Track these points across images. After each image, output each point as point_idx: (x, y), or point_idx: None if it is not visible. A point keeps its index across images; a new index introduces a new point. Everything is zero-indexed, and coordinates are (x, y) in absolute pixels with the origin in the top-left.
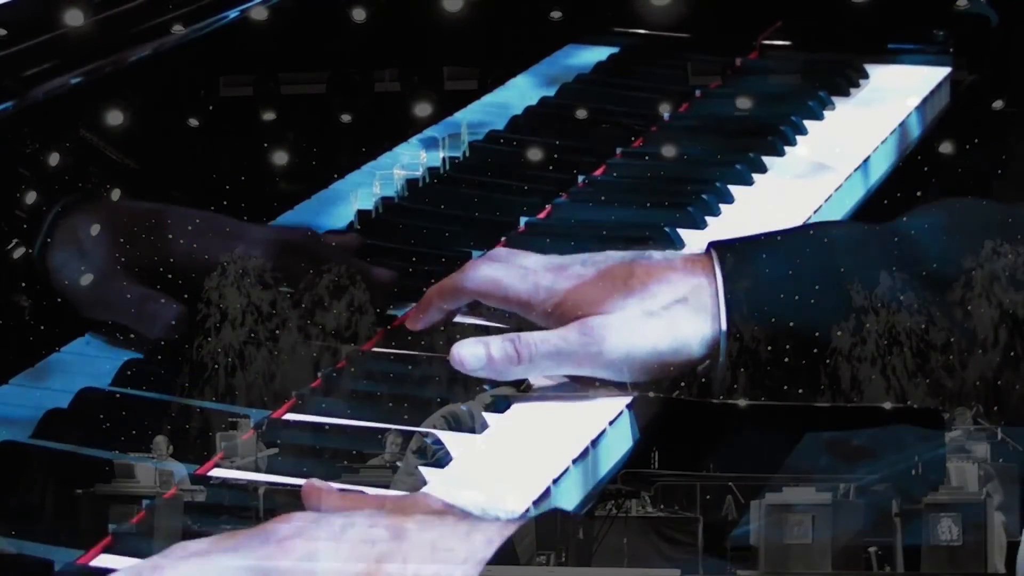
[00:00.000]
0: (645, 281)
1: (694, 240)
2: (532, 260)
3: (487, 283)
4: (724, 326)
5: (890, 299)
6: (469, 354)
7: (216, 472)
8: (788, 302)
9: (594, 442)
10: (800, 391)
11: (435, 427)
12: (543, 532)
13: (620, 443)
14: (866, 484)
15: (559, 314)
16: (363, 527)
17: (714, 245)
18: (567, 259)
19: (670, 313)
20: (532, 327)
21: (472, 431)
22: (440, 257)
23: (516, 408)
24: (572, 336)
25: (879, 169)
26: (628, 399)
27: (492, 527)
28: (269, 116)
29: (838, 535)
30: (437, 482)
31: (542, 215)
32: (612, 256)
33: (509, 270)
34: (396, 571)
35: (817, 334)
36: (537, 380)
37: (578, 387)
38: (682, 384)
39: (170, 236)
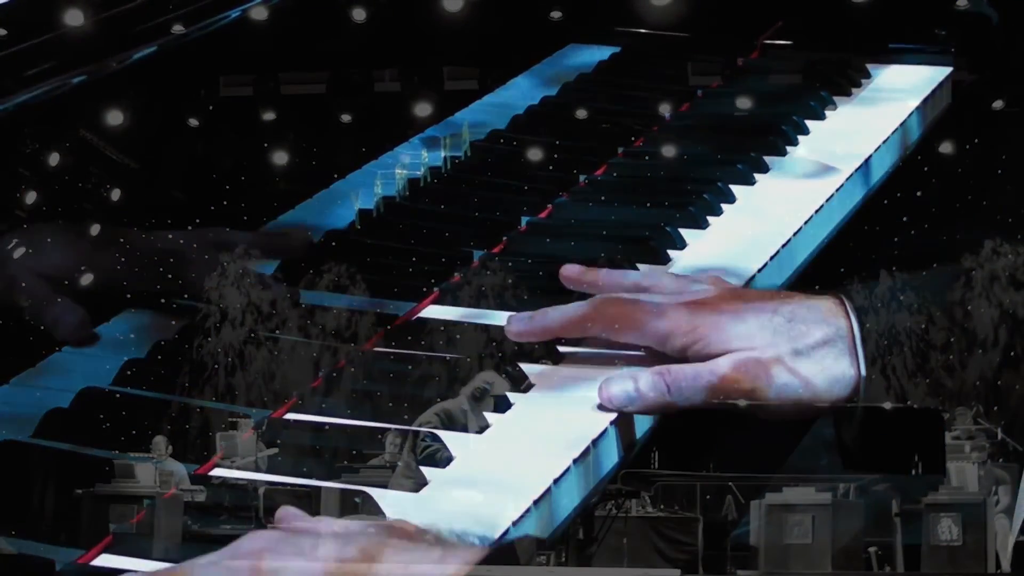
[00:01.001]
0: (791, 319)
1: (694, 240)
2: (663, 292)
3: (622, 319)
4: (863, 370)
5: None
6: (619, 391)
7: (216, 472)
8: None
9: (595, 442)
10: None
11: (429, 424)
12: (512, 559)
13: (623, 443)
14: (866, 484)
15: (697, 349)
16: (336, 546)
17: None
18: (700, 292)
19: (819, 353)
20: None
21: (465, 428)
22: (440, 256)
23: (517, 408)
24: (725, 372)
25: (880, 168)
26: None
27: (467, 552)
28: (269, 116)
29: (838, 535)
30: (438, 482)
31: (543, 214)
32: (749, 293)
33: (643, 307)
34: None
35: None
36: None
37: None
38: None
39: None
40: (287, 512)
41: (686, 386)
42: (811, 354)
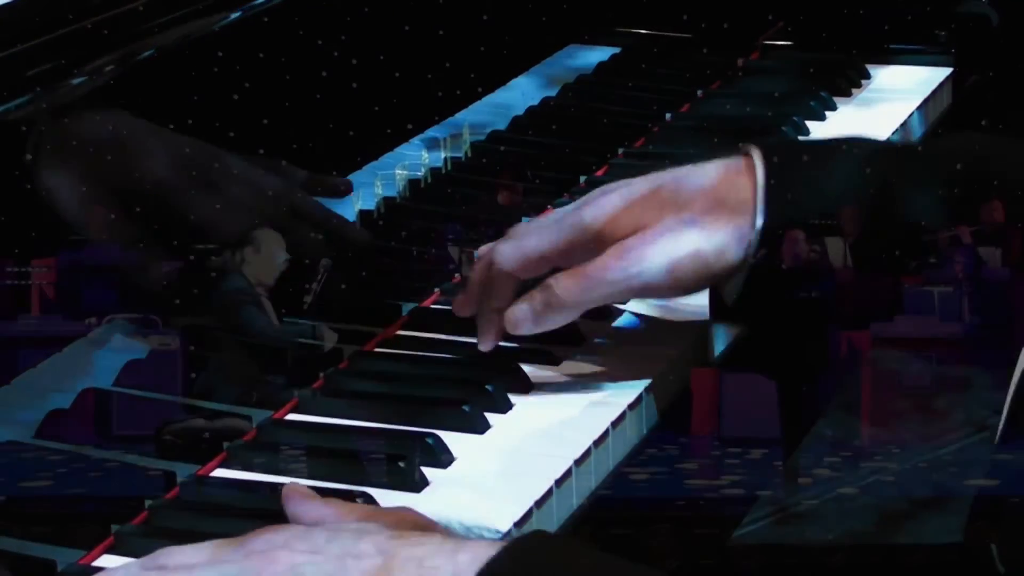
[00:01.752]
0: (676, 189)
1: None
2: (553, 213)
3: (524, 253)
4: (760, 223)
5: (919, 217)
6: (518, 316)
7: (219, 473)
8: (826, 207)
9: (596, 442)
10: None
11: None
12: (522, 554)
13: (623, 443)
14: (869, 483)
15: (602, 244)
16: (350, 542)
17: (756, 144)
18: (589, 195)
19: (708, 216)
20: None
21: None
22: (441, 258)
23: (518, 408)
24: (610, 263)
25: None
26: (631, 399)
27: (479, 546)
28: (269, 116)
29: (840, 534)
30: (439, 482)
31: (543, 215)
32: (634, 180)
33: (538, 231)
34: None
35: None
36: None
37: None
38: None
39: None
40: (294, 492)
41: (575, 287)
42: (699, 219)
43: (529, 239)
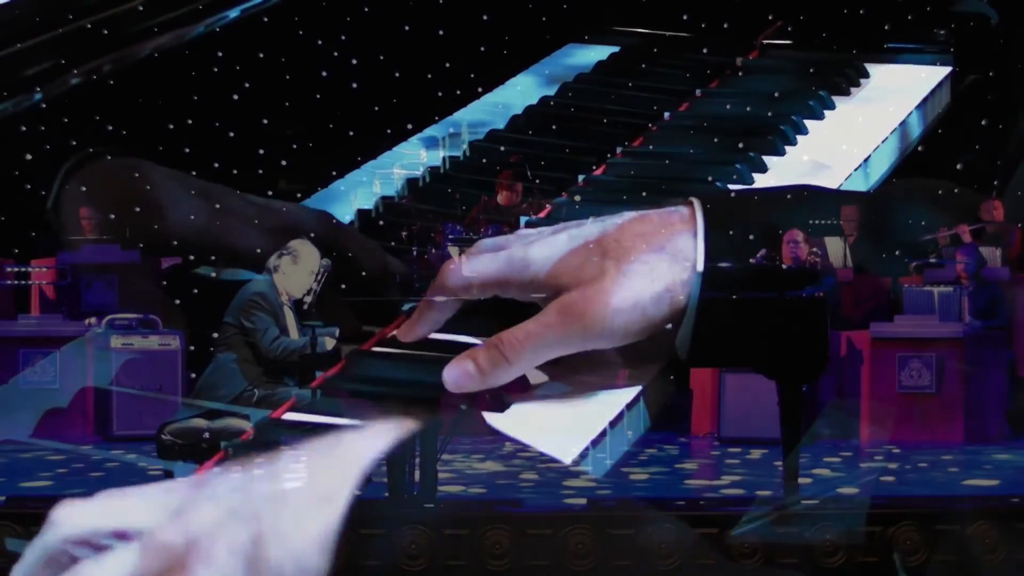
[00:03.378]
0: (619, 237)
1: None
2: (503, 239)
3: (467, 279)
4: (701, 267)
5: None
6: (459, 373)
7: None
8: (754, 251)
9: (594, 442)
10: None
11: None
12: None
13: (618, 446)
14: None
15: (539, 285)
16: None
17: (698, 196)
18: (537, 230)
19: (648, 264)
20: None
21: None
22: (439, 257)
23: (515, 408)
24: (552, 319)
25: (880, 168)
26: (623, 403)
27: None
28: (270, 116)
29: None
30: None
31: (542, 214)
32: (583, 223)
33: (487, 260)
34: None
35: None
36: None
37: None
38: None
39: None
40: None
41: (522, 348)
42: (639, 268)
43: (475, 265)
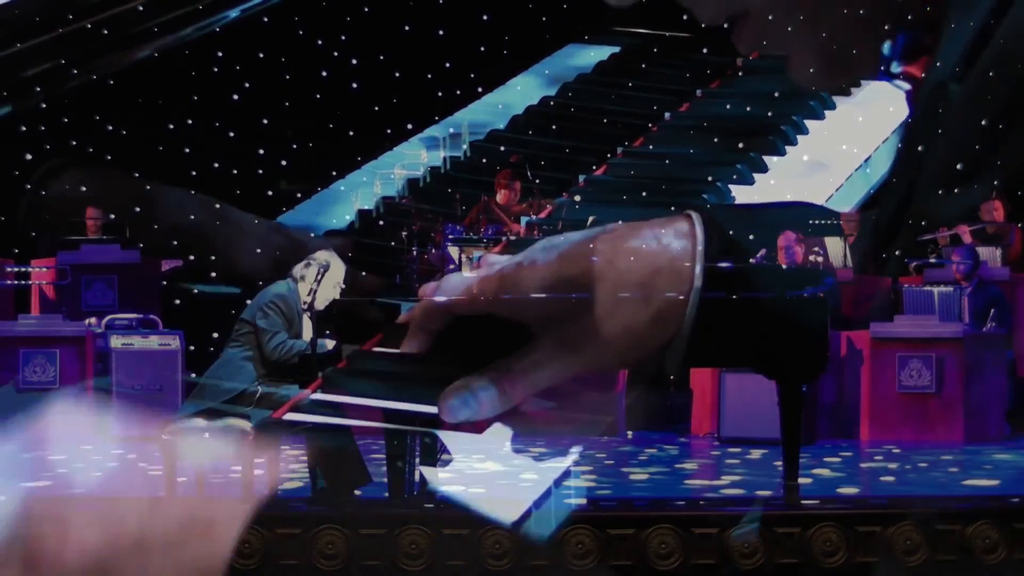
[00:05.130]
0: (613, 259)
1: None
2: (498, 256)
3: (448, 307)
4: (699, 282)
5: None
6: (457, 404)
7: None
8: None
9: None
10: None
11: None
12: None
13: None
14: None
15: (531, 309)
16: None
17: (694, 209)
18: (530, 250)
19: (642, 288)
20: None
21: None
22: (440, 257)
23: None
24: (548, 354)
25: (880, 168)
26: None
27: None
28: (270, 116)
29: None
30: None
31: (543, 214)
32: (571, 238)
33: (477, 274)
34: None
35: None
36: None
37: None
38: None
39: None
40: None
41: (521, 382)
42: (637, 291)
43: (453, 285)
